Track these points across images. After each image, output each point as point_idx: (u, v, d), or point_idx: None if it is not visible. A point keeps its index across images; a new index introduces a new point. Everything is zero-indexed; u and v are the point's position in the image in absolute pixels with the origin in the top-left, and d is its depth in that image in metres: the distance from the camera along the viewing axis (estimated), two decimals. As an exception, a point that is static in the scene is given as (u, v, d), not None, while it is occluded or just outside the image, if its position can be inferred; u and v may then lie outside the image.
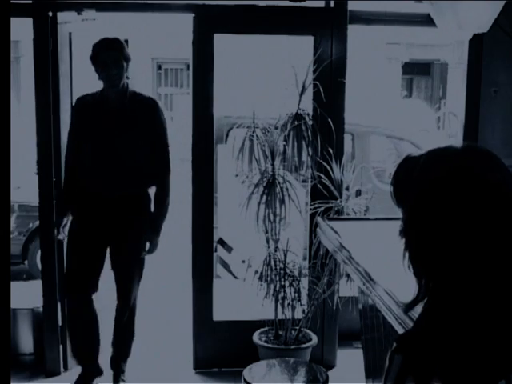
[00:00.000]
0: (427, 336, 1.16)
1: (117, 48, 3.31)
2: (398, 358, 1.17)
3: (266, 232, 3.77)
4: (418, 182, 1.16)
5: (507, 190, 1.18)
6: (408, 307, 1.23)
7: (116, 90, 3.37)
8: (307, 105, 3.81)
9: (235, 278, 5.81)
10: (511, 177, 1.22)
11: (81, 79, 3.89)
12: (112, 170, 3.40)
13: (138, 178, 3.46)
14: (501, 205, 1.13)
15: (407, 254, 1.21)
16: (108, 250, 3.54)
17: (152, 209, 3.52)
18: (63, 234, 3.58)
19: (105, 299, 3.71)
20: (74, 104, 3.58)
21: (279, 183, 3.73)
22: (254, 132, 3.75)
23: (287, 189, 3.74)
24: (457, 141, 4.13)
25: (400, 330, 2.24)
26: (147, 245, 3.48)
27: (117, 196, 3.42)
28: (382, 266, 2.47)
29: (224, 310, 4.15)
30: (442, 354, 1.11)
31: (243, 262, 5.35)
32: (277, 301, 3.81)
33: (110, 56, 3.29)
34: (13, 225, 6.11)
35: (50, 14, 3.68)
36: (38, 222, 5.22)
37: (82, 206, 3.50)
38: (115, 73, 3.31)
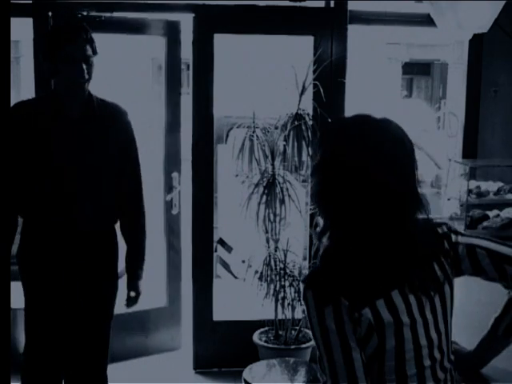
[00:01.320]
0: (329, 268, 1.39)
1: (87, 38, 2.52)
2: (309, 294, 1.35)
3: (266, 232, 3.77)
4: (332, 137, 1.43)
5: (402, 147, 1.42)
6: (318, 238, 1.47)
7: (80, 95, 2.58)
8: (307, 105, 3.81)
9: (235, 277, 5.81)
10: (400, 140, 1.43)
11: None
12: (71, 199, 2.59)
13: (107, 207, 2.69)
14: (390, 156, 1.37)
15: (315, 195, 1.45)
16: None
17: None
18: None
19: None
20: (11, 111, 2.54)
21: (279, 183, 3.73)
22: (254, 132, 3.75)
23: (287, 189, 3.74)
24: (457, 141, 4.13)
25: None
26: (130, 294, 2.78)
27: (79, 233, 2.61)
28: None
29: (224, 309, 4.15)
30: (343, 277, 1.35)
31: (243, 262, 5.35)
32: (277, 301, 3.81)
33: (78, 49, 2.49)
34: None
35: (50, 13, 3.68)
36: (38, 222, 5.22)
37: (31, 247, 2.75)
38: (85, 72, 2.51)
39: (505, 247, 1.54)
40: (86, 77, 2.52)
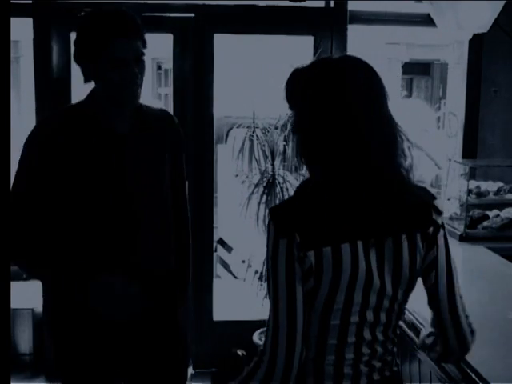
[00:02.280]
0: (295, 202, 1.43)
1: (139, 33, 1.92)
2: (271, 224, 1.39)
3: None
4: (304, 88, 1.42)
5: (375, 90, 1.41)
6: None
7: (131, 106, 2.00)
8: (307, 105, 3.80)
9: (235, 277, 5.81)
10: (373, 79, 1.43)
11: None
12: (132, 235, 2.00)
13: (167, 238, 2.14)
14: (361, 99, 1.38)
15: (298, 149, 1.46)
16: None
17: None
18: None
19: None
20: (35, 133, 1.99)
21: (279, 183, 3.73)
22: (254, 132, 3.75)
23: (287, 189, 3.74)
24: (457, 141, 4.13)
25: (404, 329, 2.25)
26: None
27: (142, 274, 2.01)
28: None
29: (224, 310, 4.15)
30: (303, 215, 1.38)
31: (243, 262, 5.35)
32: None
33: (130, 47, 1.88)
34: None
35: (50, 13, 3.69)
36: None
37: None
38: (137, 76, 1.92)
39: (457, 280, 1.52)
40: (139, 82, 1.93)
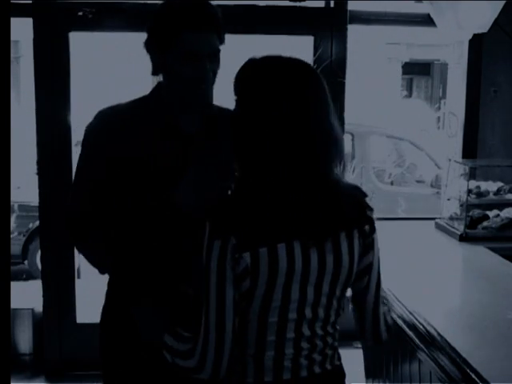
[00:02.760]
0: (231, 204, 1.42)
1: (216, 28, 1.75)
2: (207, 225, 1.39)
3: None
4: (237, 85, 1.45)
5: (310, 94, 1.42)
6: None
7: (200, 104, 1.81)
8: (307, 105, 3.80)
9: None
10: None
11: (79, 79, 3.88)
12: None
13: None
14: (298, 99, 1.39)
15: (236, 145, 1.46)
16: None
17: None
18: None
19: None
20: (93, 127, 1.81)
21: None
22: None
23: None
24: (457, 141, 4.13)
25: (404, 329, 2.25)
26: None
27: None
28: (382, 266, 2.47)
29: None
30: (239, 216, 1.38)
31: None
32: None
33: (204, 41, 1.71)
34: (13, 225, 6.11)
35: (50, 13, 3.69)
36: (37, 222, 5.23)
37: None
38: (208, 72, 1.75)
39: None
40: (212, 80, 1.77)
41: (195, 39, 1.68)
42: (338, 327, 1.54)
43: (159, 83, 1.83)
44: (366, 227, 1.49)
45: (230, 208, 1.41)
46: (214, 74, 1.76)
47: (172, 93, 1.79)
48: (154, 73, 1.79)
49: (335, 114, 1.46)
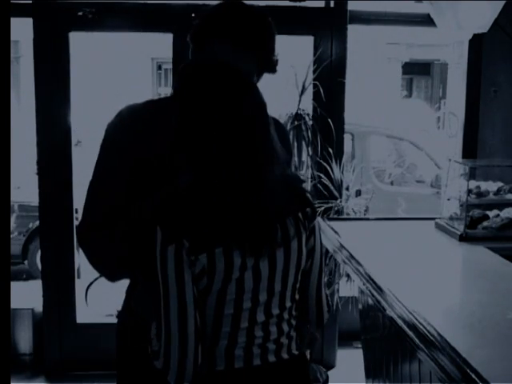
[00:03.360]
0: (180, 206, 1.42)
1: (268, 46, 1.86)
2: (158, 229, 1.40)
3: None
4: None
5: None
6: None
7: None
8: (307, 105, 3.81)
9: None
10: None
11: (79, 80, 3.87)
12: None
13: None
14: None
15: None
16: None
17: None
18: None
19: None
20: (118, 126, 1.73)
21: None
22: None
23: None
24: (457, 141, 4.13)
25: (404, 328, 2.25)
26: None
27: None
28: (382, 266, 2.47)
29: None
30: (190, 221, 1.39)
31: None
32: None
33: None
34: (13, 225, 6.11)
35: (50, 13, 3.69)
36: (37, 222, 5.23)
37: None
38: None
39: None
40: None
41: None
42: (294, 314, 1.56)
43: None
44: (308, 210, 1.55)
45: (179, 212, 1.41)
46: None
47: None
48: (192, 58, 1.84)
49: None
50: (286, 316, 1.52)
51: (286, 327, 1.52)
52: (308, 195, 1.58)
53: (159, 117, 1.73)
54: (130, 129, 1.71)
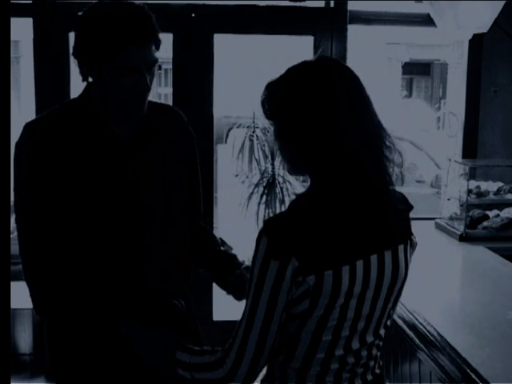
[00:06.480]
0: (292, 221, 1.32)
1: (154, 37, 1.69)
2: (264, 240, 1.29)
3: (266, 232, 3.77)
4: (283, 96, 1.36)
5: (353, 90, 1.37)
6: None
7: (137, 112, 1.72)
8: (307, 105, 3.80)
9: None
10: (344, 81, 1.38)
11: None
12: (145, 254, 1.76)
13: (184, 256, 1.93)
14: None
15: (287, 157, 1.43)
16: None
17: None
18: None
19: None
20: (24, 143, 1.72)
21: (279, 183, 3.74)
22: (253, 132, 3.75)
23: (287, 189, 3.75)
24: (457, 141, 4.13)
25: (404, 329, 2.25)
26: None
27: (155, 299, 1.80)
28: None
29: (224, 309, 4.15)
30: (302, 237, 1.29)
31: (243, 261, 5.34)
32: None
33: (145, 54, 1.65)
34: (13, 225, 6.10)
35: (50, 13, 3.69)
36: (37, 222, 5.21)
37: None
38: (148, 85, 1.69)
39: None
40: (147, 91, 1.70)
41: (138, 53, 1.61)
42: (383, 338, 1.52)
43: (88, 87, 1.73)
44: (413, 238, 1.48)
45: (291, 225, 1.31)
46: (151, 81, 1.70)
47: (108, 102, 1.68)
48: (85, 79, 1.70)
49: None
50: (376, 342, 1.48)
51: (374, 351, 1.49)
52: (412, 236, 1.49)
53: (73, 124, 1.69)
54: (42, 143, 1.67)
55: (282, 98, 1.37)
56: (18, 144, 1.70)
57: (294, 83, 1.35)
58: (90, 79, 1.69)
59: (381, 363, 1.56)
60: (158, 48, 1.69)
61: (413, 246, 1.48)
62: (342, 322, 1.37)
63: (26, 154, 1.68)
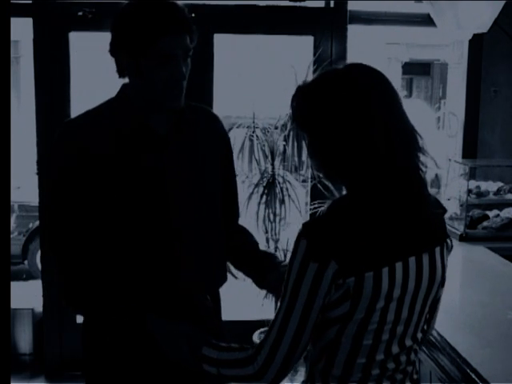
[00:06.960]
0: (331, 223, 1.32)
1: (188, 26, 1.71)
2: (303, 243, 1.29)
3: (266, 232, 3.77)
4: (316, 104, 1.36)
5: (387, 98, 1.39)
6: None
7: (176, 104, 1.77)
8: (307, 105, 3.80)
9: (235, 278, 5.80)
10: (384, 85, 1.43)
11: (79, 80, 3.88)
12: (178, 254, 1.75)
13: (219, 258, 1.92)
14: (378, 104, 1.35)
15: (322, 170, 1.45)
16: None
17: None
18: None
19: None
20: (62, 142, 1.72)
21: (279, 183, 3.73)
22: (253, 132, 3.75)
23: (287, 189, 3.74)
24: (457, 141, 4.13)
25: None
26: None
27: (185, 300, 1.80)
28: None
29: (224, 309, 4.14)
30: (341, 239, 1.29)
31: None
32: (277, 300, 3.81)
33: (180, 42, 1.68)
34: (13, 225, 6.10)
35: (50, 13, 3.69)
36: (37, 222, 5.23)
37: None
38: (184, 75, 1.73)
39: None
40: (184, 83, 1.76)
41: (173, 43, 1.65)
42: (420, 342, 1.51)
43: (124, 85, 1.76)
44: (448, 241, 1.48)
45: (330, 228, 1.31)
46: (186, 72, 1.73)
47: (145, 95, 1.71)
48: (121, 76, 1.72)
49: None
50: (415, 346, 1.47)
51: (412, 356, 1.48)
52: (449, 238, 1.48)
53: (110, 121, 1.72)
54: (79, 143, 1.68)
55: (315, 108, 1.37)
56: (54, 141, 1.72)
57: (322, 95, 1.37)
58: (126, 79, 1.73)
59: (417, 369, 1.55)
60: (192, 40, 1.71)
61: (449, 248, 1.47)
62: (382, 326, 1.36)
63: (62, 152, 1.70)
